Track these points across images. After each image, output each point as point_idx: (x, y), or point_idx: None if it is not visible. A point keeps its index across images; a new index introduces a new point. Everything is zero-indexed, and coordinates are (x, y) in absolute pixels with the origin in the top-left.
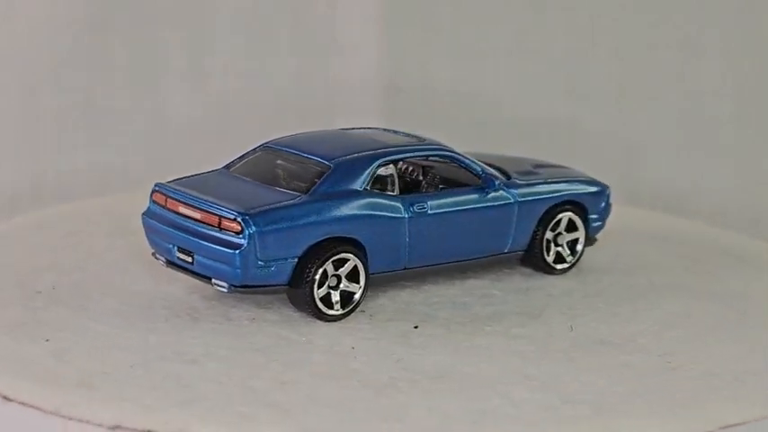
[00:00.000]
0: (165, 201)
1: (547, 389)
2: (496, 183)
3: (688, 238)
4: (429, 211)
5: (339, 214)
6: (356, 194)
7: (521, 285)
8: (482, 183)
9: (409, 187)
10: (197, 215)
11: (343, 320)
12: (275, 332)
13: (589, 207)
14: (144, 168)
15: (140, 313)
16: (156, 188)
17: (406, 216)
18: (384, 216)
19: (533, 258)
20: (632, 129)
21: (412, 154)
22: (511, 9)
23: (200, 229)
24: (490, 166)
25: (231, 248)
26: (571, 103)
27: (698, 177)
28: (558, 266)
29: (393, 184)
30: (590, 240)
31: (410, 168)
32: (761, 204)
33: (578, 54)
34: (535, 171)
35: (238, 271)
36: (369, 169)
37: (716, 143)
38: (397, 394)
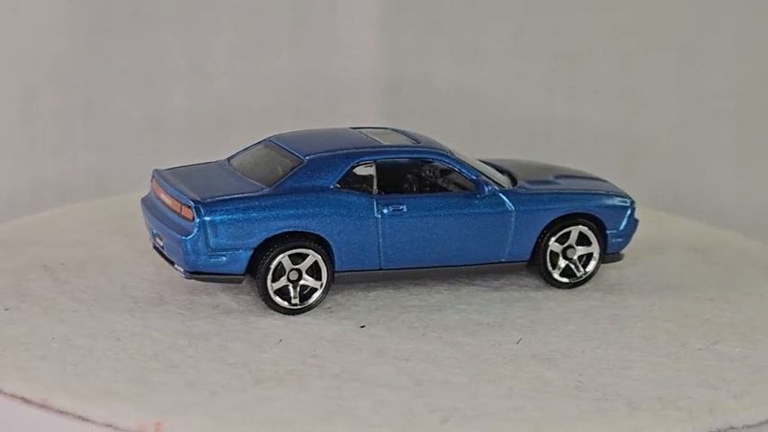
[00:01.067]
0: (155, 187)
1: (420, 396)
2: (487, 189)
3: (691, 239)
4: (406, 213)
5: (300, 209)
6: (323, 191)
7: (514, 295)
8: (474, 188)
9: (411, 188)
10: (168, 201)
11: (304, 315)
12: (224, 320)
13: (607, 222)
14: (144, 169)
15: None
16: (153, 174)
17: (378, 216)
18: (352, 215)
19: (539, 270)
20: (632, 129)
21: (397, 156)
22: (511, 9)
23: (167, 214)
24: (501, 172)
25: (183, 235)
26: (571, 103)
27: (698, 177)
28: (564, 280)
29: (371, 184)
30: (614, 257)
31: (428, 170)
32: (761, 204)
33: (578, 54)
34: (553, 181)
35: (188, 257)
36: (342, 167)
37: (716, 143)
38: (273, 387)
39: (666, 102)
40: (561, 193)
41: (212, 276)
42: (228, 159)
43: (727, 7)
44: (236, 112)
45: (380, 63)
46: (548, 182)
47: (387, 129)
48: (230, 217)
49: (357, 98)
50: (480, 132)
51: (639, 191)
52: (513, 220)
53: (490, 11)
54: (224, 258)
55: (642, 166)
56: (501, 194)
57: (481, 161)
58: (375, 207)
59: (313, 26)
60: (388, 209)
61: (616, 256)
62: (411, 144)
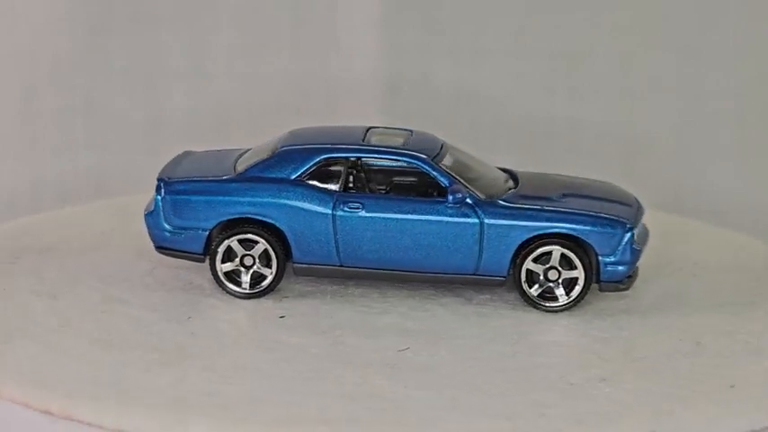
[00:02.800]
0: None
1: (276, 405)
2: (452, 197)
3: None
4: (363, 213)
5: (257, 197)
6: (283, 182)
7: (475, 310)
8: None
9: (386, 189)
10: None
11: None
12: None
13: (597, 247)
14: (144, 169)
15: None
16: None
17: (334, 213)
18: (307, 209)
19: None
20: (632, 129)
21: (370, 156)
22: (511, 9)
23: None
24: (514, 180)
25: (147, 210)
26: (571, 103)
27: (698, 177)
28: (548, 304)
29: (337, 181)
30: (613, 286)
31: (408, 173)
32: (761, 204)
33: (578, 54)
34: (554, 198)
35: (150, 231)
36: (308, 161)
37: (716, 143)
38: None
39: (666, 102)
40: (542, 211)
41: (175, 253)
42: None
43: (727, 7)
44: (236, 112)
45: (380, 63)
46: (545, 198)
47: (402, 129)
48: (186, 198)
49: (357, 98)
50: (480, 132)
51: (639, 191)
52: (480, 232)
53: (490, 11)
54: (182, 236)
55: (642, 166)
56: (471, 205)
57: (501, 169)
58: (332, 204)
59: (313, 26)
60: (345, 207)
61: (616, 286)
62: (390, 146)
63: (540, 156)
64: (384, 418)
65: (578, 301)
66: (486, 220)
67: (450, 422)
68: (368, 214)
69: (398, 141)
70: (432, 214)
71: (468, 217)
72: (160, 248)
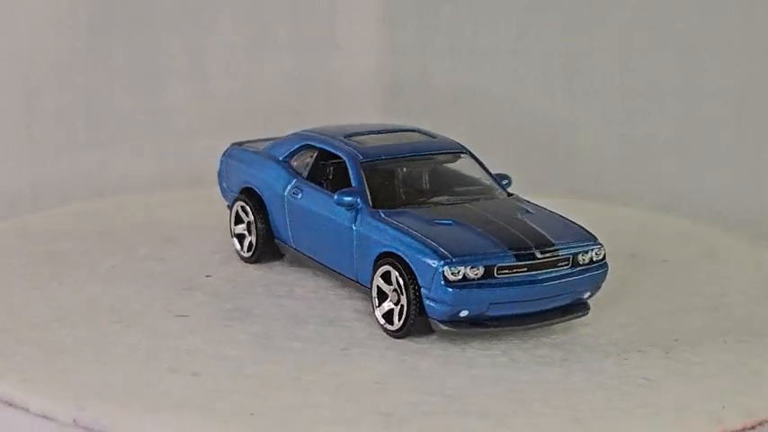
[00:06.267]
0: None
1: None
2: (336, 197)
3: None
4: (299, 200)
5: (254, 171)
6: (271, 160)
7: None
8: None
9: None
10: None
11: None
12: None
13: (418, 275)
14: (144, 169)
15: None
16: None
17: (284, 195)
18: (274, 187)
19: None
20: (632, 129)
21: (324, 147)
22: (511, 9)
23: None
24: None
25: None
26: (571, 103)
27: (698, 177)
28: (386, 326)
29: (306, 168)
30: (438, 321)
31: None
32: (761, 204)
33: (578, 54)
34: (430, 219)
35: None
36: (293, 146)
37: (716, 143)
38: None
39: (666, 102)
40: (398, 228)
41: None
42: None
43: (728, 7)
44: (236, 112)
45: (380, 63)
46: (425, 219)
47: (412, 129)
48: (228, 163)
49: (357, 98)
50: (480, 132)
51: (639, 191)
52: (353, 238)
53: (490, 11)
54: (229, 196)
55: (642, 166)
56: (357, 210)
57: (498, 175)
58: (288, 186)
59: (313, 26)
60: (292, 191)
61: (440, 322)
62: (338, 141)
63: (541, 156)
64: None
65: (404, 329)
66: (356, 228)
67: None
68: (300, 202)
69: (384, 140)
70: (330, 212)
71: (347, 220)
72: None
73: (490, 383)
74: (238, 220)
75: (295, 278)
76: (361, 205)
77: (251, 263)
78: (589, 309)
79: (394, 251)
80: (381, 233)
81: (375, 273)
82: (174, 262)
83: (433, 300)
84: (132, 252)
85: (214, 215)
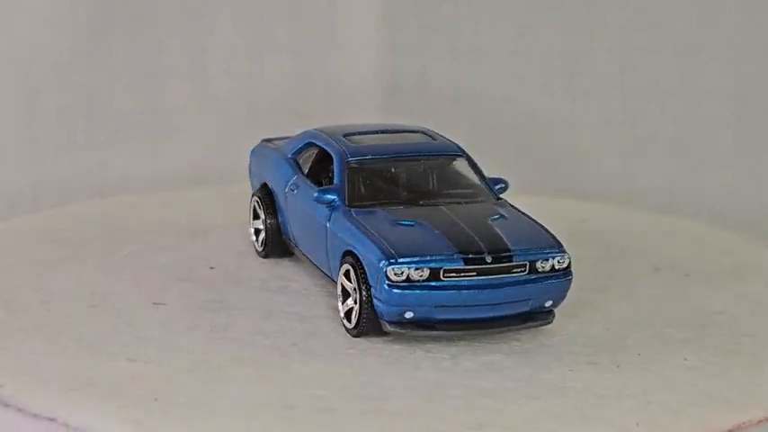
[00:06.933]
0: None
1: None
2: (316, 194)
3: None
4: (295, 196)
5: (268, 167)
6: (281, 156)
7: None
8: None
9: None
10: None
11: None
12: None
13: (369, 275)
14: (144, 169)
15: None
16: None
17: (284, 191)
18: (279, 183)
19: None
20: (632, 129)
21: (321, 145)
22: (511, 9)
23: None
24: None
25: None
26: (571, 103)
27: (698, 177)
28: (347, 325)
29: (306, 165)
30: (385, 324)
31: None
32: (761, 204)
33: (578, 54)
34: (394, 221)
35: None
36: (299, 144)
37: (716, 143)
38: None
39: (666, 102)
40: (358, 227)
41: None
42: None
43: (727, 7)
44: (236, 112)
45: (380, 63)
46: (391, 221)
47: (418, 130)
48: (254, 158)
49: (357, 98)
50: (480, 132)
51: (639, 191)
52: (327, 235)
53: (490, 11)
54: (254, 190)
55: (642, 166)
56: (332, 208)
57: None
58: (288, 182)
59: (313, 26)
60: (290, 187)
61: (387, 323)
62: (331, 140)
63: (541, 156)
64: None
65: (358, 329)
66: (329, 225)
67: None
68: (295, 198)
69: (381, 140)
70: (313, 209)
71: (323, 217)
72: None
73: (418, 386)
74: (256, 216)
75: (295, 274)
76: (337, 203)
77: (262, 257)
78: (552, 317)
79: (352, 250)
80: (346, 232)
81: (340, 270)
82: (181, 255)
83: (378, 299)
84: (135, 246)
85: (215, 214)
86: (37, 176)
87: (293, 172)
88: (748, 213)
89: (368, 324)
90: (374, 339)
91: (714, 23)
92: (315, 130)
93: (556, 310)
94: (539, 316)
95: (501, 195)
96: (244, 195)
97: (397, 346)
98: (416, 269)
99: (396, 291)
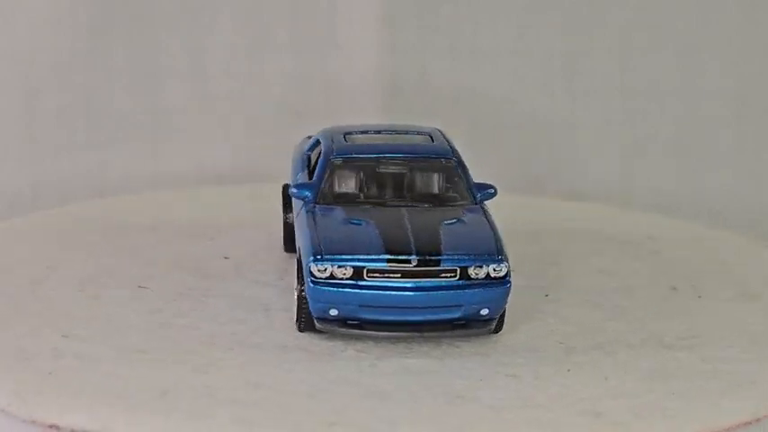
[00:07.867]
0: None
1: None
2: (293, 190)
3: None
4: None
5: (294, 163)
6: (300, 153)
7: None
8: None
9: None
10: None
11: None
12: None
13: (303, 271)
14: (144, 169)
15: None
16: None
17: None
18: (293, 180)
19: None
20: (632, 129)
21: (322, 146)
22: (511, 9)
23: None
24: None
25: None
26: (571, 103)
27: (698, 178)
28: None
29: (312, 162)
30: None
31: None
32: (761, 204)
33: (578, 54)
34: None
35: None
36: (312, 141)
37: (716, 144)
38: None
39: (666, 102)
40: (308, 224)
41: None
42: None
43: (727, 7)
44: (236, 112)
45: (380, 63)
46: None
47: (423, 131)
48: (292, 157)
49: (357, 98)
50: (480, 132)
51: (639, 191)
52: (296, 230)
53: (490, 10)
54: None
55: (642, 166)
56: (310, 205)
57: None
58: (296, 176)
59: (313, 26)
60: (295, 182)
61: (316, 319)
62: (329, 137)
63: (541, 156)
64: None
65: (299, 324)
66: (296, 220)
67: None
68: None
69: (376, 140)
70: (296, 204)
71: (297, 215)
72: None
73: (328, 385)
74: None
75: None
76: (309, 199)
77: (286, 252)
78: (489, 327)
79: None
80: (300, 228)
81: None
82: (181, 254)
83: (307, 296)
84: (135, 246)
85: (215, 214)
86: (37, 176)
87: (302, 168)
88: (748, 213)
89: (307, 320)
90: (318, 336)
91: (714, 23)
92: (329, 128)
93: (508, 318)
94: (476, 324)
95: (488, 201)
96: (245, 195)
97: (330, 344)
98: (339, 267)
99: (319, 287)
